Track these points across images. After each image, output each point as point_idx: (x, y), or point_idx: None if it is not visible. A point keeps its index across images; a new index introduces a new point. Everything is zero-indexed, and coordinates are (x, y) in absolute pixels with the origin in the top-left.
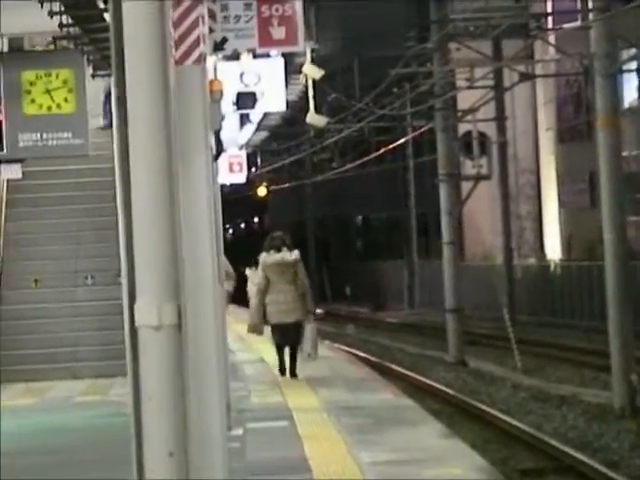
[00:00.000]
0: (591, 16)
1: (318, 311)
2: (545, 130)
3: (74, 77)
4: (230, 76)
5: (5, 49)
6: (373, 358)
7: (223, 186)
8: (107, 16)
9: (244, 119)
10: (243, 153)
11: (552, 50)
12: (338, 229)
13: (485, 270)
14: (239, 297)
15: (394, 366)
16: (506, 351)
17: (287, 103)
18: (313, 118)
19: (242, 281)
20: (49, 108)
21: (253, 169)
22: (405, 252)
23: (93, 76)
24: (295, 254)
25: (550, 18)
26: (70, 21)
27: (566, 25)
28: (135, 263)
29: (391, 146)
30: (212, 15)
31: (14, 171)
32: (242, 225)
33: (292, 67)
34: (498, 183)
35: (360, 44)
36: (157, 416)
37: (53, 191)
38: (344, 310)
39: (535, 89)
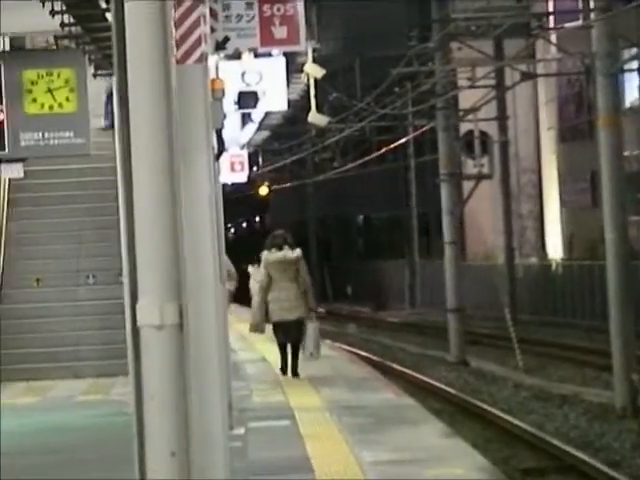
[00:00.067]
0: (592, 16)
1: (319, 310)
2: (546, 129)
3: (76, 76)
4: (232, 75)
5: (7, 48)
6: (374, 357)
7: (225, 185)
8: (109, 16)
9: (246, 118)
10: (245, 152)
11: (553, 49)
12: (339, 229)
13: (486, 270)
14: (241, 296)
15: (395, 365)
16: (507, 350)
17: (289, 102)
18: (314, 117)
19: (244, 279)
20: (51, 107)
21: (254, 168)
22: (406, 252)
23: (95, 75)
24: (297, 252)
25: (551, 17)
26: (72, 20)
27: (567, 24)
28: (137, 262)
29: (392, 145)
30: (214, 14)
31: (16, 170)
32: (244, 224)
33: (294, 66)
34: (499, 182)
35: (361, 43)
36: (159, 415)
37: (55, 190)
38: (345, 310)
39: (537, 88)
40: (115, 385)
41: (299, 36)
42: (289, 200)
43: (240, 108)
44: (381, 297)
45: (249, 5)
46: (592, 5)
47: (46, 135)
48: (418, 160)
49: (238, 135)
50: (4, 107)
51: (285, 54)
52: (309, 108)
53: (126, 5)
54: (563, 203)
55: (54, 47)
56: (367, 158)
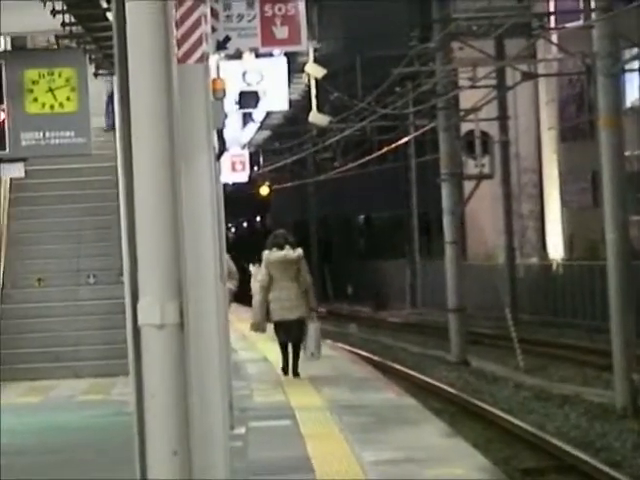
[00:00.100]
0: (593, 16)
1: (320, 310)
2: (547, 129)
3: (77, 76)
4: (233, 75)
5: (8, 48)
6: (375, 357)
7: (225, 185)
8: (110, 15)
9: (247, 118)
10: (245, 152)
11: (554, 49)
12: (340, 228)
13: (487, 269)
14: (242, 295)
15: (396, 365)
16: (508, 350)
17: (290, 102)
18: (315, 117)
19: (246, 279)
20: (52, 107)
21: (255, 168)
22: (407, 251)
23: (95, 75)
24: (298, 251)
25: (553, 17)
26: (73, 20)
27: (569, 24)
28: (138, 262)
29: (393, 145)
30: (215, 14)
31: (17, 170)
32: (244, 224)
33: (295, 66)
34: (500, 182)
35: (362, 43)
36: (160, 415)
37: (55, 190)
38: (346, 309)
39: (537, 88)
40: (116, 385)
41: (300, 36)
42: (290, 200)
43: (241, 108)
44: (382, 297)
45: (250, 5)
46: (593, 5)
47: (47, 135)
48: (419, 160)
49: (239, 135)
50: (5, 107)
51: (286, 54)
52: (310, 108)
53: (127, 5)
54: (564, 203)
55: (55, 47)
56: (368, 158)
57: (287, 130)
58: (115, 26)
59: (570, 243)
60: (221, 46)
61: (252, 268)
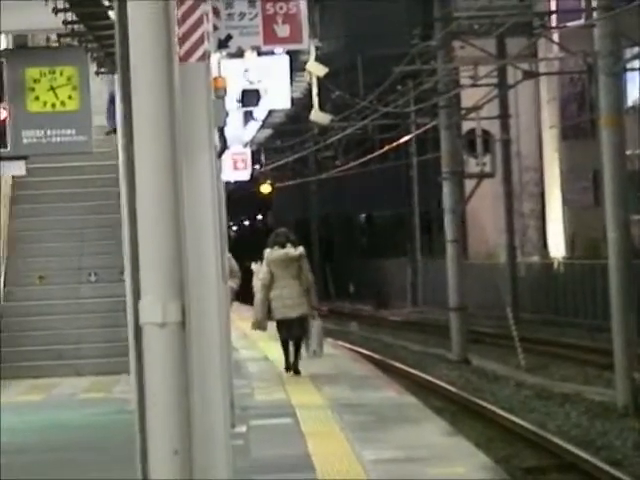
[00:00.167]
0: (595, 14)
1: (322, 308)
2: (549, 128)
3: (78, 74)
4: (234, 73)
5: (9, 46)
6: (376, 356)
7: (227, 183)
8: (112, 14)
9: (248, 116)
10: (247, 150)
11: (556, 48)
12: (342, 227)
13: (488, 268)
14: (244, 294)
15: (397, 364)
16: (509, 349)
17: (291, 100)
18: (317, 116)
19: (247, 276)
20: (53, 105)
21: (257, 166)
22: (408, 250)
23: (97, 73)
24: (299, 249)
25: (554, 16)
26: (74, 18)
27: (570, 23)
28: (139, 260)
29: (395, 144)
30: (216, 12)
31: (18, 168)
32: (246, 222)
33: (296, 64)
34: (501, 181)
35: (364, 42)
36: (161, 413)
37: (57, 188)
38: (347, 308)
39: (539, 87)
40: (117, 383)
41: (302, 34)
42: (292, 198)
43: (243, 106)
44: (383, 295)
45: (252, 3)
46: (594, 4)
47: (48, 133)
48: (420, 158)
49: (241, 133)
50: (7, 105)
51: (288, 52)
52: (311, 106)
53: (129, 3)
54: (565, 202)
55: (55, 45)
56: (369, 156)
57: (289, 128)
58: (117, 24)
59: (571, 242)
60: (223, 44)
61: (254, 266)
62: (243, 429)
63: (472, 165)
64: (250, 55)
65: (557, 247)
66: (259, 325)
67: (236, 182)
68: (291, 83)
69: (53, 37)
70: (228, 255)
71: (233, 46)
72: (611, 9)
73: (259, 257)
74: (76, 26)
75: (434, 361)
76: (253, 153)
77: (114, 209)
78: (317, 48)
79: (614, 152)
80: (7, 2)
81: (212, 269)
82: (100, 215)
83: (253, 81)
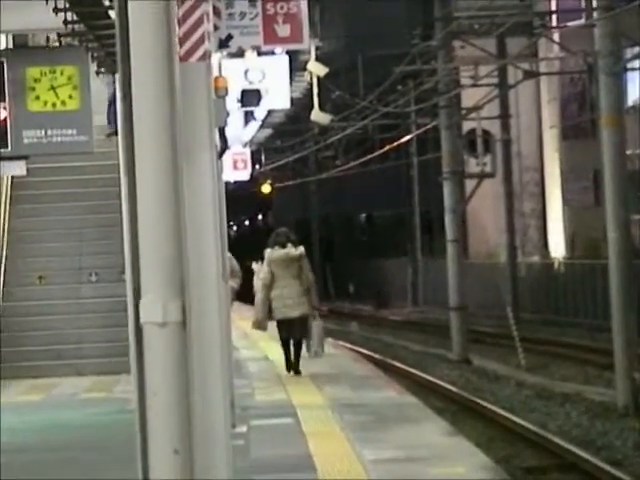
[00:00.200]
0: (595, 14)
1: (322, 308)
2: (549, 128)
3: (79, 74)
4: (235, 73)
5: (10, 46)
6: (377, 355)
7: (227, 183)
8: (112, 13)
9: (248, 116)
10: (247, 150)
11: (556, 48)
12: (342, 227)
13: (489, 268)
14: (245, 293)
15: (397, 364)
16: (510, 349)
17: (291, 100)
18: (317, 115)
19: (248, 276)
20: (54, 105)
21: (257, 166)
22: (409, 250)
23: (97, 73)
24: (300, 249)
25: (554, 16)
26: (75, 18)
27: (570, 23)
28: (140, 260)
29: (395, 144)
30: (217, 12)
31: (18, 168)
32: (246, 222)
33: (297, 64)
34: (502, 181)
35: (364, 42)
36: (162, 413)
37: (57, 188)
38: (347, 308)
39: (539, 87)
40: (118, 383)
41: (302, 34)
42: (292, 198)
43: (243, 106)
44: (383, 295)
45: (252, 3)
46: (595, 4)
47: (49, 132)
48: (421, 158)
49: (241, 133)
50: (7, 104)
51: (288, 52)
52: (312, 106)
53: (129, 3)
54: (565, 201)
55: (55, 44)
56: (370, 156)
57: (289, 128)
58: (117, 24)
59: (572, 242)
60: (223, 44)
61: (255, 266)
62: (244, 429)
63: (472, 165)
64: (250, 55)
65: (557, 247)
66: (259, 325)
67: (236, 182)
68: (291, 83)
69: (53, 37)
70: (229, 255)
71: (234, 46)
72: (611, 9)
73: (259, 257)
74: (76, 26)
75: (434, 361)
76: (253, 153)
77: (114, 209)
78: (317, 48)
79: (614, 152)
80: (7, 2)
81: (213, 269)
82: (100, 215)
83: (253, 81)
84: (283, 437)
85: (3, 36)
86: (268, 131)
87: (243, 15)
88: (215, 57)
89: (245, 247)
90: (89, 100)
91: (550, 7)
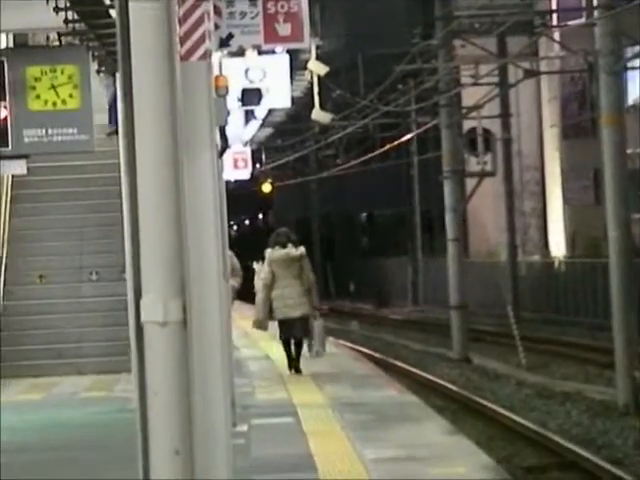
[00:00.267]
0: (596, 13)
1: (323, 307)
2: (549, 127)
3: (79, 73)
4: (235, 72)
5: (10, 45)
6: (377, 354)
7: (228, 182)
8: (113, 12)
9: (249, 115)
10: (248, 149)
11: (557, 47)
12: (342, 226)
13: (489, 267)
14: (245, 293)
15: (398, 363)
16: (510, 348)
17: (292, 99)
18: (318, 114)
19: (249, 275)
20: (54, 104)
21: (258, 165)
22: (409, 249)
23: (98, 72)
24: (300, 249)
25: (555, 15)
26: (75, 17)
27: (571, 22)
28: (141, 259)
29: (396, 143)
30: (218, 11)
31: (19, 167)
32: (247, 222)
33: (297, 63)
34: (502, 180)
35: (365, 41)
36: (162, 412)
37: (58, 187)
38: (348, 307)
39: (540, 86)
40: (118, 382)
41: (303, 33)
42: (292, 197)
43: (243, 105)
44: (384, 294)
45: (253, 2)
46: (595, 3)
47: (49, 132)
48: (421, 157)
49: (241, 132)
50: (8, 103)
51: (289, 51)
52: (312, 105)
53: (130, 2)
54: (566, 200)
55: (55, 43)
56: (370, 155)
57: (289, 127)
58: (118, 23)
59: (572, 241)
60: (224, 43)
61: (255, 265)
62: (244, 428)
63: (473, 164)
64: (251, 54)
65: (558, 246)
66: (260, 325)
67: (236, 181)
68: (291, 82)
69: (54, 36)
70: (230, 253)
71: (234, 45)
72: (612, 8)
73: (260, 256)
74: (77, 25)
75: (435, 360)
76: (253, 152)
77: (115, 208)
78: (318, 47)
79: (615, 151)
80: (8, 1)
81: (213, 268)
82: (101, 214)
83: (254, 80)
84: (284, 436)
85: (3, 35)
86: (269, 130)
87: (244, 14)
88: (216, 56)
89: (246, 246)
90: (90, 99)
91: (551, 6)
